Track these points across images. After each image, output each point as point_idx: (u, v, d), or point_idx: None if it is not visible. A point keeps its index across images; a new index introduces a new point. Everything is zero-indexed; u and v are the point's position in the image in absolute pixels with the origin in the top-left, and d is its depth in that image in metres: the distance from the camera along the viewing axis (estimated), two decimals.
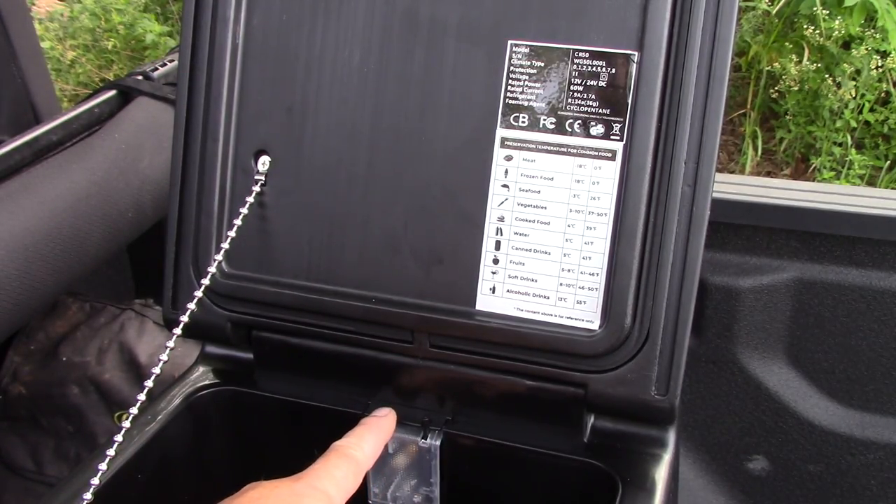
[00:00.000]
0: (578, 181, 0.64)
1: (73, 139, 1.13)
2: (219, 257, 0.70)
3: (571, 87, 0.64)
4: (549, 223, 0.65)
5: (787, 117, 3.12)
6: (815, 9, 2.89)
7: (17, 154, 1.05)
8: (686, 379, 0.64)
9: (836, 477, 1.20)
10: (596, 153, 0.64)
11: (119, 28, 3.43)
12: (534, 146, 0.65)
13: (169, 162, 0.72)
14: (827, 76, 2.98)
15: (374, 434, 0.62)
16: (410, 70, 0.67)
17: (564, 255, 0.65)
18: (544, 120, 0.65)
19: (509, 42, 0.65)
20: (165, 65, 1.29)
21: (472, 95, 0.66)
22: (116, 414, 1.17)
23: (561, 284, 0.65)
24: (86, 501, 0.52)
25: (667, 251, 0.63)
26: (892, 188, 2.94)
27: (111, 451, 0.57)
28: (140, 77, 1.24)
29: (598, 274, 0.64)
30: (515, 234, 0.66)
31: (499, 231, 0.66)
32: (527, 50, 0.65)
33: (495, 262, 0.66)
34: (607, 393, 0.65)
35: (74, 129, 1.14)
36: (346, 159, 0.68)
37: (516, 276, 0.66)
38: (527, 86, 0.65)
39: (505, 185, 0.66)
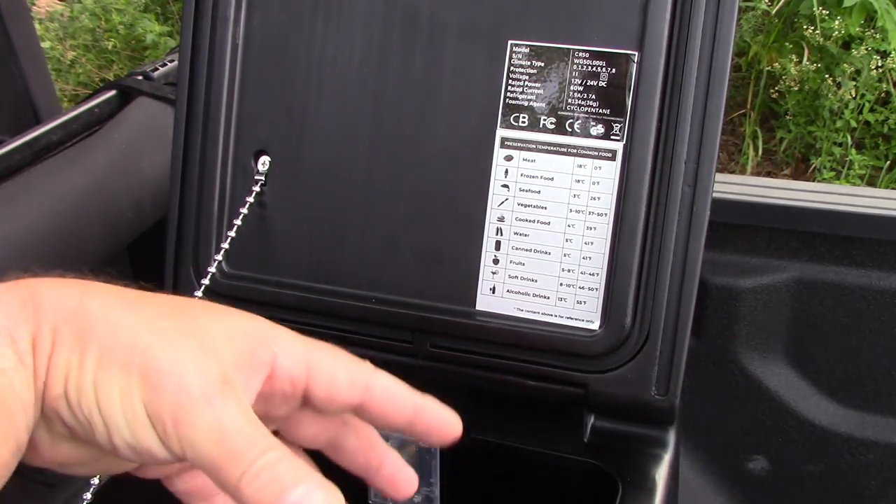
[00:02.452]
0: (578, 181, 0.64)
1: (73, 139, 1.13)
2: (219, 257, 0.70)
3: (571, 87, 0.64)
4: (549, 223, 0.65)
5: (787, 117, 3.12)
6: (814, 9, 2.89)
7: (17, 154, 1.05)
8: (686, 379, 0.64)
9: (836, 477, 1.19)
10: (596, 153, 0.64)
11: (119, 28, 3.43)
12: (534, 146, 0.65)
13: (169, 162, 0.72)
14: (827, 76, 2.98)
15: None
16: (410, 70, 0.67)
17: (564, 255, 0.65)
18: (544, 120, 0.65)
19: (509, 42, 0.65)
20: (165, 65, 1.29)
21: (472, 95, 0.66)
22: None
23: (561, 284, 0.65)
24: (86, 501, 0.52)
25: (667, 251, 0.62)
26: (892, 188, 2.94)
27: None
28: (140, 77, 1.24)
29: (598, 274, 0.64)
30: (515, 234, 0.66)
31: (499, 231, 0.66)
32: (527, 50, 0.65)
33: (495, 262, 0.66)
34: (607, 393, 0.65)
35: (74, 129, 1.13)
36: (347, 159, 0.68)
37: (516, 277, 0.66)
38: (527, 86, 0.65)
39: (505, 185, 0.66)
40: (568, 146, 0.64)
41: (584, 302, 0.65)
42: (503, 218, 0.66)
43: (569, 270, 0.65)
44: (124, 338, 0.34)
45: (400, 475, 0.43)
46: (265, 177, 0.70)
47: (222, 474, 0.32)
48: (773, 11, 3.08)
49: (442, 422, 0.43)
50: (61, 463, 0.37)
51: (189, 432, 0.33)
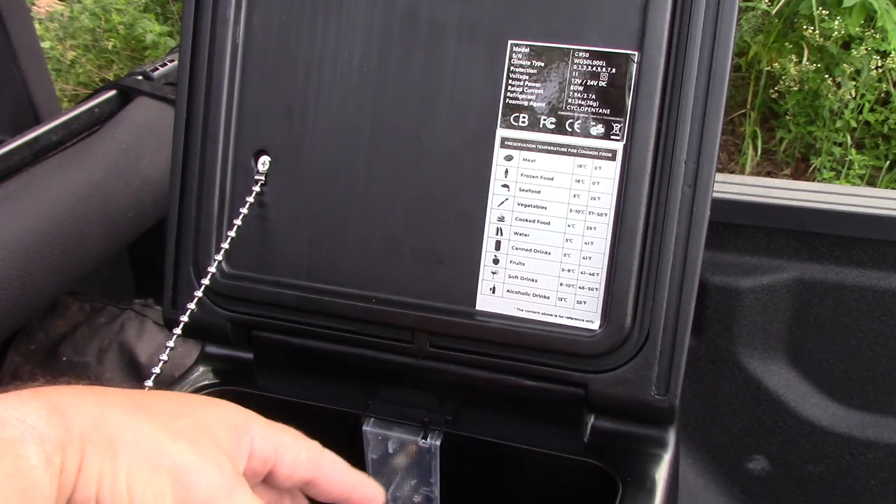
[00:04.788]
0: (578, 181, 0.64)
1: (73, 139, 1.13)
2: (219, 257, 0.70)
3: (571, 87, 0.64)
4: (549, 223, 0.65)
5: (787, 117, 3.12)
6: (814, 9, 2.89)
7: (17, 154, 1.05)
8: (686, 379, 0.64)
9: (836, 477, 1.19)
10: (596, 153, 0.64)
11: (119, 28, 3.43)
12: (534, 146, 0.65)
13: (169, 162, 0.72)
14: (827, 76, 2.98)
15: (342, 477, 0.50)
16: (410, 70, 0.67)
17: (565, 255, 0.65)
18: (544, 120, 0.65)
19: (509, 42, 0.65)
20: (165, 65, 1.29)
21: (472, 95, 0.66)
22: None
23: (561, 284, 0.65)
24: None
25: (667, 251, 0.62)
26: (892, 188, 2.94)
27: None
28: (140, 77, 1.24)
29: (598, 274, 0.64)
30: (515, 234, 0.66)
31: (499, 231, 0.66)
32: (527, 50, 0.65)
33: (495, 262, 0.66)
34: (607, 393, 0.65)
35: (74, 129, 1.14)
36: (347, 159, 0.68)
37: (516, 276, 0.66)
38: (527, 86, 0.65)
39: (505, 185, 0.66)
40: (568, 146, 0.64)
41: (584, 302, 0.65)
42: (503, 218, 0.66)
43: (569, 270, 0.65)
44: (149, 442, 0.39)
45: None
46: (265, 177, 0.70)
47: None
48: (773, 11, 3.08)
49: (375, 497, 0.49)
50: None
51: None
